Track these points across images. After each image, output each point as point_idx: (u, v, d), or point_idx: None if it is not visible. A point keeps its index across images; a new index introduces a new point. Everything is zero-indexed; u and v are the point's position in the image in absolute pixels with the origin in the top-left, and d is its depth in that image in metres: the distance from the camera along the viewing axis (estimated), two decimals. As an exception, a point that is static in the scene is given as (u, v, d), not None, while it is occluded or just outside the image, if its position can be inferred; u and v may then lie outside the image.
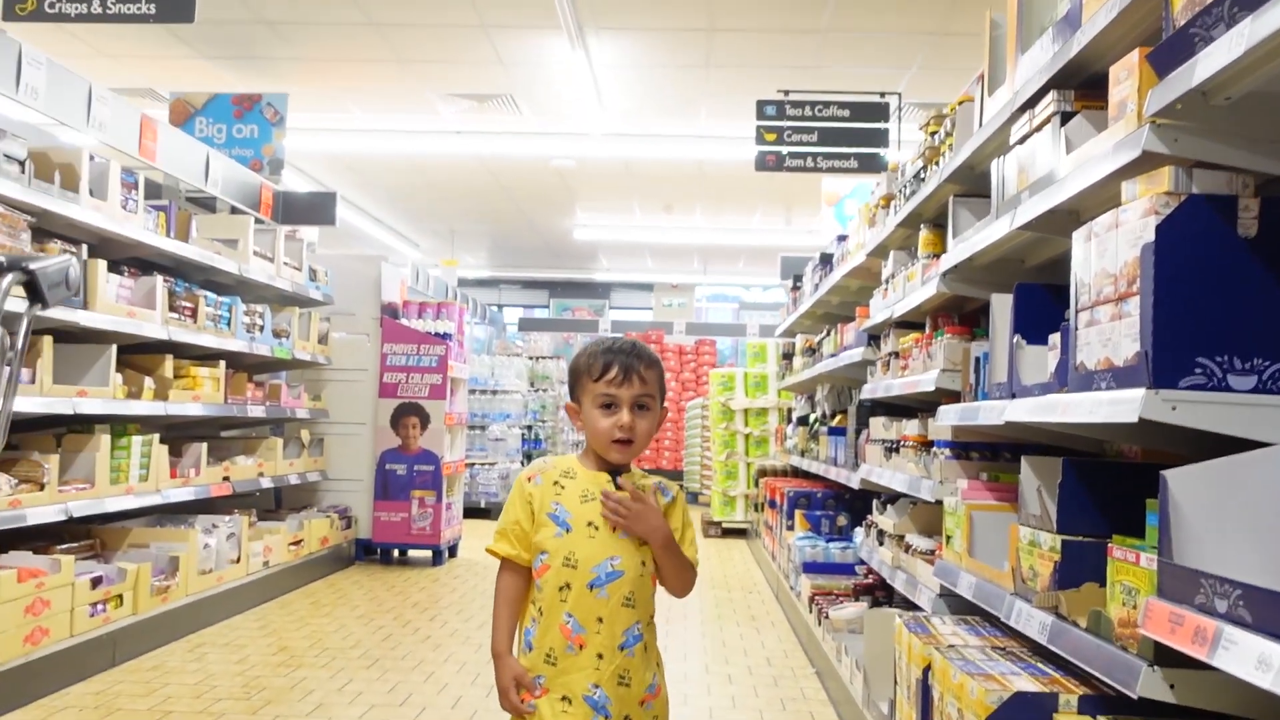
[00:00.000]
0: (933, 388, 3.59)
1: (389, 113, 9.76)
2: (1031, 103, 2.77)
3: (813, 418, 7.47)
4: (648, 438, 2.17)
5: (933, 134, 3.95)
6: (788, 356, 9.26)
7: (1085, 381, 2.26)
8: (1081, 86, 2.61)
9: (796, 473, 8.05)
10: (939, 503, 3.59)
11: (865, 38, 7.26)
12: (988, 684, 2.25)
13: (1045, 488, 2.56)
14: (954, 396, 3.55)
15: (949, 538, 3.36)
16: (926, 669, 2.64)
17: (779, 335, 9.73)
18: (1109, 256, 2.17)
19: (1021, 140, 2.86)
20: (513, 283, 20.76)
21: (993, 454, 3.54)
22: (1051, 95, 2.62)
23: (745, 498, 9.86)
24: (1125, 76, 2.22)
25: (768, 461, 9.53)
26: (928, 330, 3.92)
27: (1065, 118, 2.59)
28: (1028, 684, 2.27)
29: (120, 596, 4.54)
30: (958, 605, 3.37)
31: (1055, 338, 2.54)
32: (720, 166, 11.27)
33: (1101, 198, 2.53)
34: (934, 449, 3.69)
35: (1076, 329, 2.32)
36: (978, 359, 3.32)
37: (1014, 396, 2.74)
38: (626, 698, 2.09)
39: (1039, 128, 2.73)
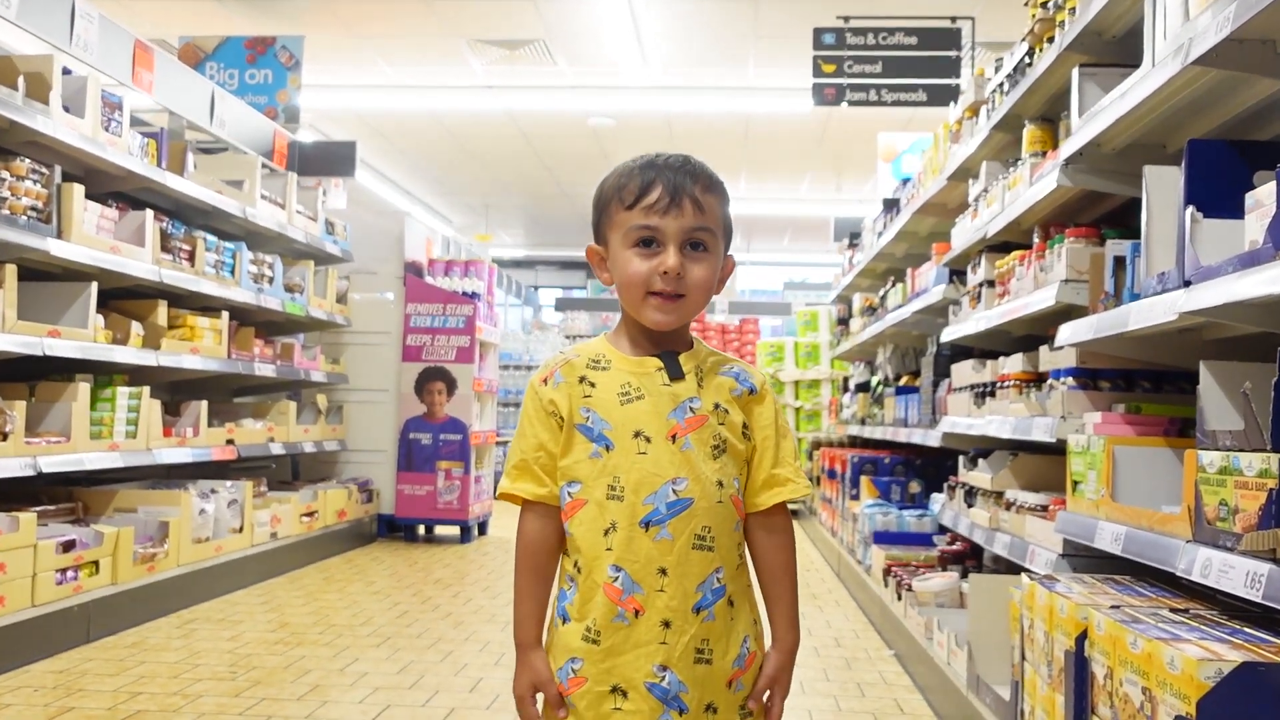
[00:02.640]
0: (1052, 303, 2.93)
1: (415, 64, 9.19)
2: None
3: (875, 381, 6.81)
4: (704, 292, 1.49)
5: (1042, 4, 3.28)
6: (843, 321, 8.60)
7: (1325, 233, 1.61)
8: None
9: (854, 443, 7.39)
10: (1057, 447, 2.95)
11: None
12: (1194, 650, 1.60)
13: (1249, 394, 1.91)
14: (1070, 319, 2.89)
15: (1076, 483, 2.71)
16: (1082, 637, 1.99)
17: (833, 300, 9.07)
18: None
19: (1196, -49, 2.20)
20: (550, 263, 20.20)
21: (1127, 383, 2.89)
22: None
23: (796, 475, 9.20)
24: None
25: (821, 435, 8.87)
26: (1038, 242, 3.26)
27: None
28: (1240, 653, 1.63)
29: (96, 564, 3.98)
30: (1086, 566, 2.74)
31: (1261, 193, 1.89)
32: (768, 124, 10.58)
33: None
34: (1051, 381, 3.04)
35: (1308, 166, 1.67)
36: (1116, 259, 2.67)
37: (1188, 284, 2.09)
38: (708, 680, 1.45)
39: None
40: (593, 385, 1.51)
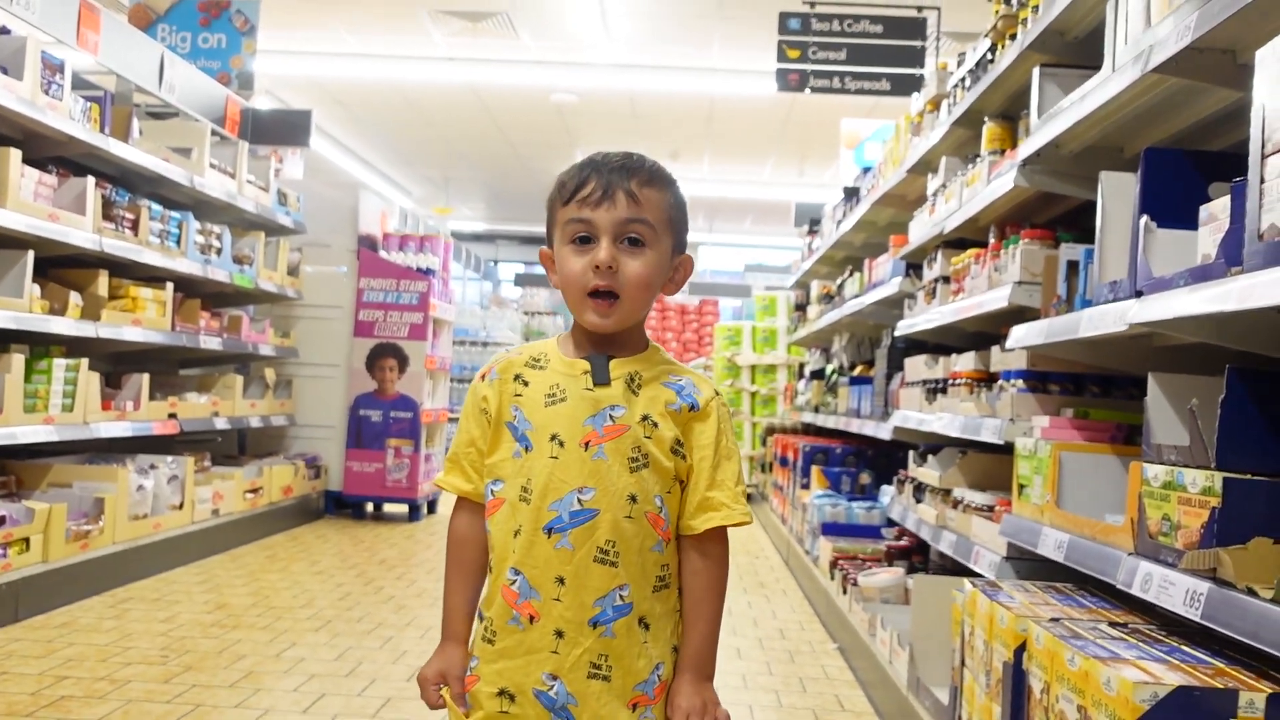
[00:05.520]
0: (1005, 304, 2.91)
1: (376, 33, 9.02)
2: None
3: (829, 369, 6.81)
4: (644, 289, 1.44)
5: (1006, 0, 3.25)
6: (801, 307, 8.59)
7: (1277, 251, 1.59)
8: None
9: (808, 430, 7.39)
10: (1007, 446, 2.93)
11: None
12: (1131, 672, 1.58)
13: (1196, 410, 1.89)
14: (1023, 320, 2.87)
15: (1022, 487, 2.71)
16: (1020, 649, 1.98)
17: (792, 286, 9.06)
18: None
19: (1159, -43, 2.17)
20: (510, 237, 20.03)
21: (1076, 387, 2.88)
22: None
23: (750, 460, 9.20)
24: None
25: (775, 421, 8.88)
26: (993, 241, 3.24)
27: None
28: (1177, 674, 1.61)
29: (26, 540, 3.87)
30: (1029, 570, 2.73)
31: (1215, 206, 1.87)
32: (732, 106, 10.53)
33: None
34: (1001, 382, 3.03)
35: (1263, 181, 1.65)
36: (1070, 264, 2.65)
37: (1139, 294, 2.07)
38: (605, 697, 1.40)
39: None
40: (525, 384, 1.49)
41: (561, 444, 1.43)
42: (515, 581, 1.42)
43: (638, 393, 1.46)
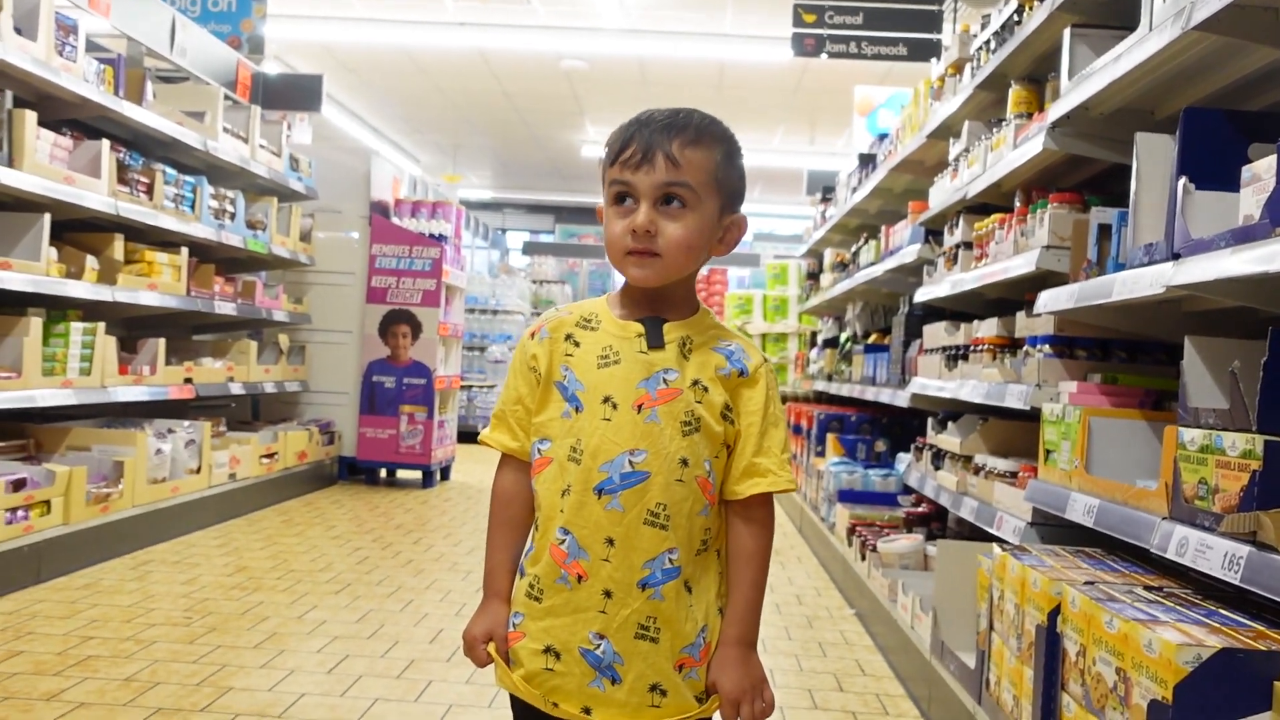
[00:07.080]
0: (1032, 268, 2.89)
1: (386, -3, 8.95)
2: None
3: (844, 337, 6.79)
4: (684, 251, 1.41)
5: (1036, -38, 3.20)
6: (813, 276, 8.55)
7: (1326, 212, 1.57)
8: None
9: (820, 398, 7.38)
10: (1028, 413, 2.92)
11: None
12: (1172, 634, 1.58)
13: (1238, 372, 1.87)
14: (1046, 286, 2.85)
15: (1049, 452, 2.69)
16: (1054, 612, 1.97)
17: (803, 254, 9.02)
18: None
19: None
20: (518, 206, 19.94)
21: (1104, 352, 2.86)
22: None
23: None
24: None
25: (786, 389, 8.86)
26: (1019, 206, 3.21)
27: None
28: (1218, 637, 1.61)
29: (48, 503, 3.88)
30: (1054, 536, 2.72)
31: (1260, 166, 1.84)
32: (743, 73, 10.44)
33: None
34: (1027, 347, 3.01)
35: (1312, 140, 1.63)
36: (1101, 227, 2.63)
37: (1177, 257, 2.04)
38: (652, 658, 1.39)
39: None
40: (576, 345, 1.47)
41: (615, 406, 1.41)
42: (564, 541, 1.41)
43: (689, 357, 1.45)
